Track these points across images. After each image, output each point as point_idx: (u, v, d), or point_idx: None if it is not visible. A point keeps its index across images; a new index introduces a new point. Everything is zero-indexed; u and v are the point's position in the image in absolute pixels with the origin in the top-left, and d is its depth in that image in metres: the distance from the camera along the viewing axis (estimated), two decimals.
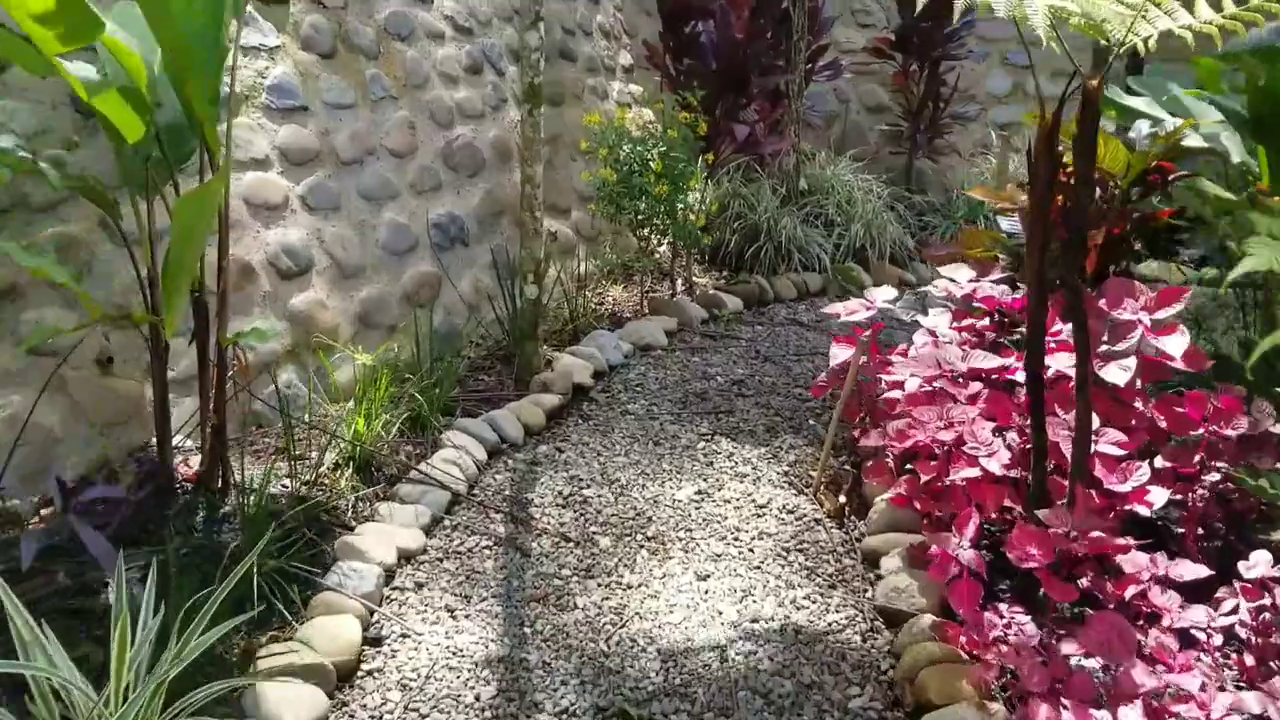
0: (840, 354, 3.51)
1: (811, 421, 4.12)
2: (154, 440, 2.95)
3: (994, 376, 3.15)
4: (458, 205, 4.71)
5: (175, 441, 3.04)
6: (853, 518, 3.34)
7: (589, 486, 3.44)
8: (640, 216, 4.93)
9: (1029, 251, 2.54)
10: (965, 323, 3.43)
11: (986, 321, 3.46)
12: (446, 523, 3.16)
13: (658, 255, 5.80)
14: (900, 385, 3.29)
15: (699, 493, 3.45)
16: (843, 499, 3.39)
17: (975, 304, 3.53)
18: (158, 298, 2.77)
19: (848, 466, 3.69)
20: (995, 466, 2.75)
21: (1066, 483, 2.79)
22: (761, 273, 6.02)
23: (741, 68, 5.37)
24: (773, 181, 6.42)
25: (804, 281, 6.03)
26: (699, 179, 5.00)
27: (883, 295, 3.61)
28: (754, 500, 3.41)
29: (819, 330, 5.40)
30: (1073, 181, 2.42)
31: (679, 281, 5.74)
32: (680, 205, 5.01)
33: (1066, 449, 2.73)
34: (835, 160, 7.08)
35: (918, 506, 2.89)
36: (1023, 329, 3.32)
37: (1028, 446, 2.96)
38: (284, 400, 3.30)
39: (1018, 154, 7.26)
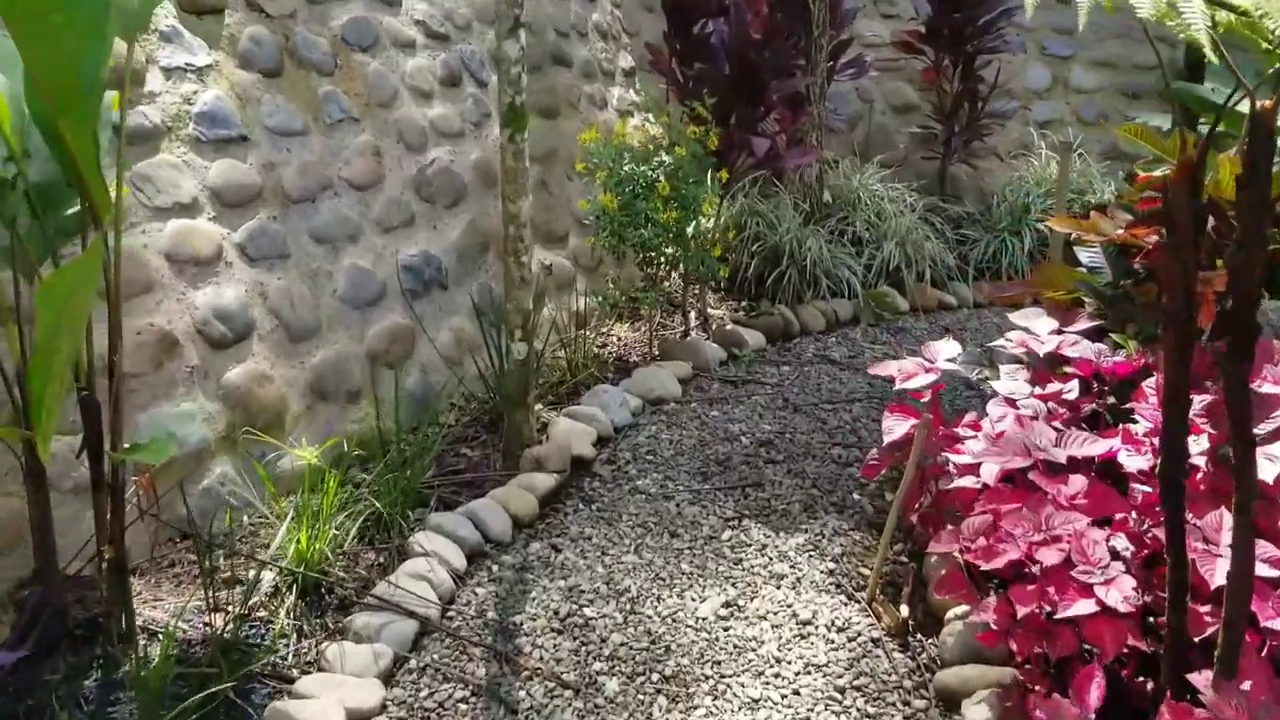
0: (896, 428, 2.90)
1: (856, 495, 3.51)
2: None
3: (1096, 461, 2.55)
4: (434, 242, 4.12)
5: (76, 569, 2.46)
6: (918, 634, 2.75)
7: (591, 602, 2.84)
8: (647, 247, 4.33)
9: (1168, 327, 1.93)
10: (1050, 388, 2.82)
11: (1075, 384, 2.85)
12: (412, 664, 2.56)
13: (667, 285, 5.20)
14: (974, 470, 2.69)
15: (727, 605, 2.85)
16: (905, 610, 2.79)
17: (1061, 362, 2.92)
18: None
19: (905, 558, 3.10)
20: (1116, 599, 2.15)
21: (1203, 611, 2.19)
22: (785, 301, 5.41)
23: (758, 71, 4.76)
24: (793, 195, 5.82)
25: (833, 310, 5.42)
26: (713, 202, 4.39)
27: (944, 352, 3.00)
28: (795, 614, 2.81)
29: (853, 369, 4.80)
30: (1236, 234, 1.81)
31: (692, 315, 5.14)
32: (692, 232, 4.41)
33: (1204, 568, 2.13)
34: (861, 168, 6.47)
35: (1013, 646, 2.29)
36: (1125, 396, 2.71)
37: (1144, 554, 2.37)
38: (206, 509, 2.71)
39: (1078, 157, 6.63)
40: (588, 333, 4.70)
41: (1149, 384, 2.57)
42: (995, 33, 6.33)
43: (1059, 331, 2.97)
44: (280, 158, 3.53)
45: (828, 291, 5.48)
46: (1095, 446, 2.47)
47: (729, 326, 5.05)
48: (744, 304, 5.43)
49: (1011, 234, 6.20)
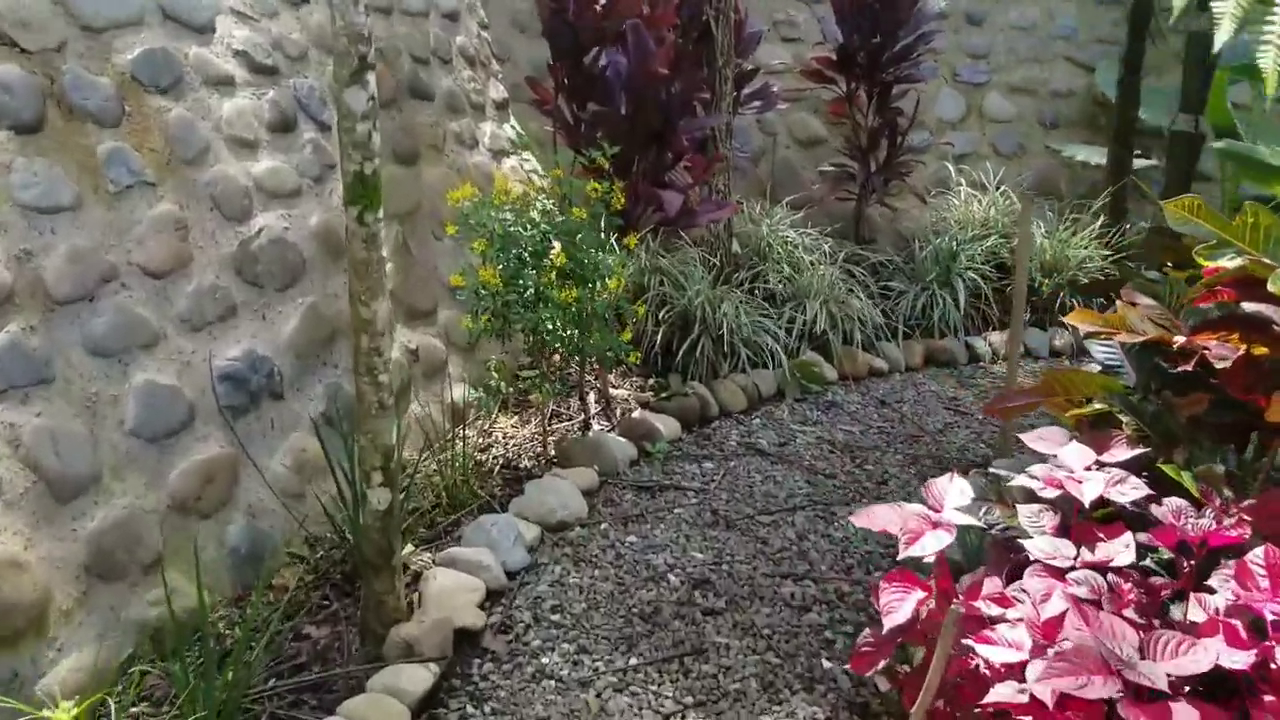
0: (898, 608, 2.21)
1: (826, 662, 2.83)
2: None
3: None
4: (263, 338, 3.26)
5: None
6: None
7: None
8: (542, 333, 3.57)
9: None
10: (1101, 550, 2.19)
11: (1128, 543, 2.22)
12: None
13: (559, 362, 4.45)
14: (1016, 671, 2.02)
15: None
16: None
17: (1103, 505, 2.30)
18: None
19: None
20: None
21: None
22: (698, 375, 4.73)
23: (666, 111, 4.08)
24: (700, 249, 5.15)
25: (754, 385, 4.76)
26: (621, 277, 3.66)
27: (952, 497, 2.34)
28: None
29: (786, 462, 4.15)
30: None
31: (591, 397, 4.40)
32: (595, 310, 3.67)
33: None
34: (770, 211, 5.87)
35: None
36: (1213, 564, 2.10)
37: None
38: None
39: (1000, 195, 6.19)
40: (466, 430, 3.90)
41: (1256, 558, 1.95)
42: (913, 59, 5.83)
43: (1098, 464, 2.35)
44: (40, 243, 2.65)
45: (747, 362, 4.82)
46: (1200, 656, 1.83)
47: (637, 413, 4.33)
48: (651, 381, 4.72)
49: (940, 285, 5.69)
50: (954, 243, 5.83)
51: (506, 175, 5.16)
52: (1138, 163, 6.26)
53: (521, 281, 3.60)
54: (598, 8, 3.82)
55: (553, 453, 3.97)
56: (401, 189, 4.23)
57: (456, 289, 3.89)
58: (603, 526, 3.54)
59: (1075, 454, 2.38)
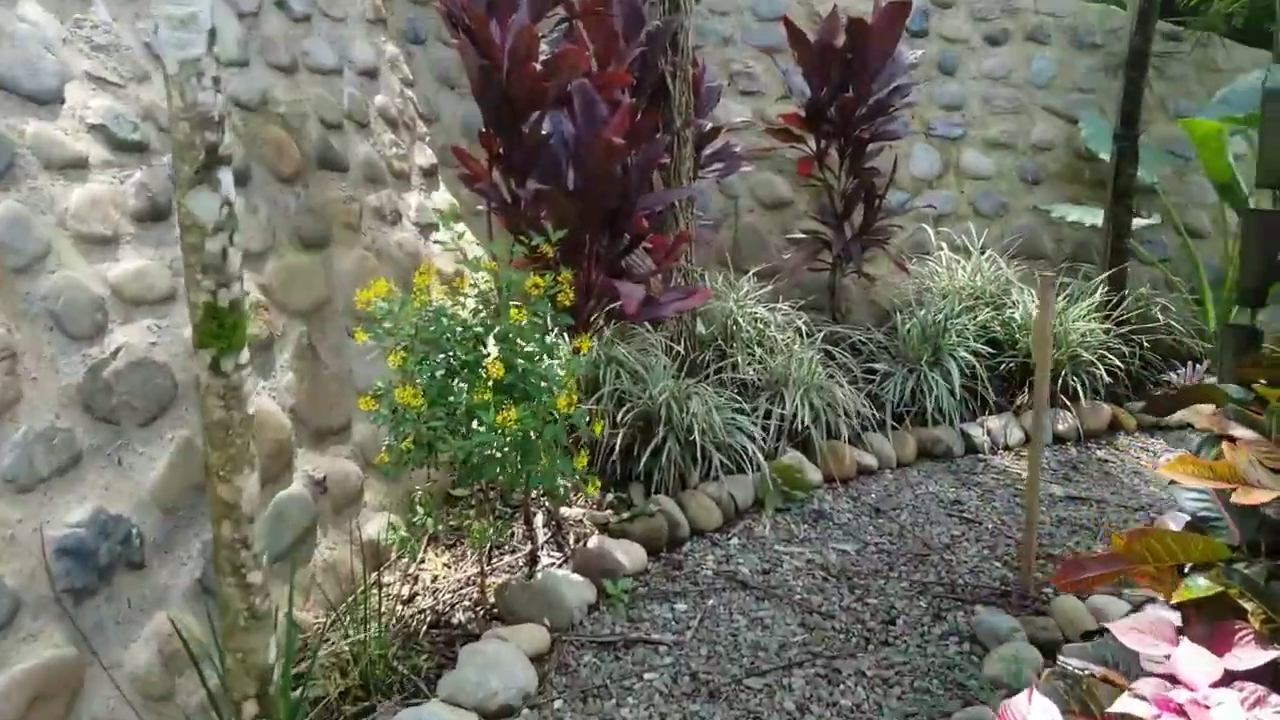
0: None
1: None
2: None
3: None
4: (117, 491, 2.61)
5: None
6: None
7: None
8: (477, 464, 2.96)
9: None
10: None
11: None
12: None
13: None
14: None
15: None
16: None
17: None
18: None
19: None
20: None
21: None
22: (665, 486, 4.14)
23: (622, 187, 3.52)
24: (662, 332, 4.58)
25: (728, 495, 4.18)
26: (573, 392, 3.06)
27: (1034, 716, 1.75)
28: None
29: (773, 597, 3.56)
30: None
31: (539, 520, 3.78)
32: (543, 429, 3.06)
33: None
34: (735, 284, 5.33)
35: None
36: None
37: None
38: None
39: (985, 260, 5.71)
40: (386, 576, 3.26)
41: None
42: (890, 114, 5.36)
43: (1226, 676, 1.78)
44: None
45: (720, 467, 4.23)
46: None
47: (594, 541, 3.72)
48: (610, 495, 4.11)
49: (930, 365, 5.17)
50: (941, 316, 5.33)
51: (435, 256, 4.57)
52: (1135, 222, 5.83)
53: (451, 399, 2.98)
54: (536, 65, 3.26)
55: (493, 601, 3.33)
56: (307, 280, 3.62)
57: (377, 384, 3.26)
58: (556, 706, 2.90)
59: (1194, 662, 1.81)
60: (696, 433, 4.16)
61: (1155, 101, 6.91)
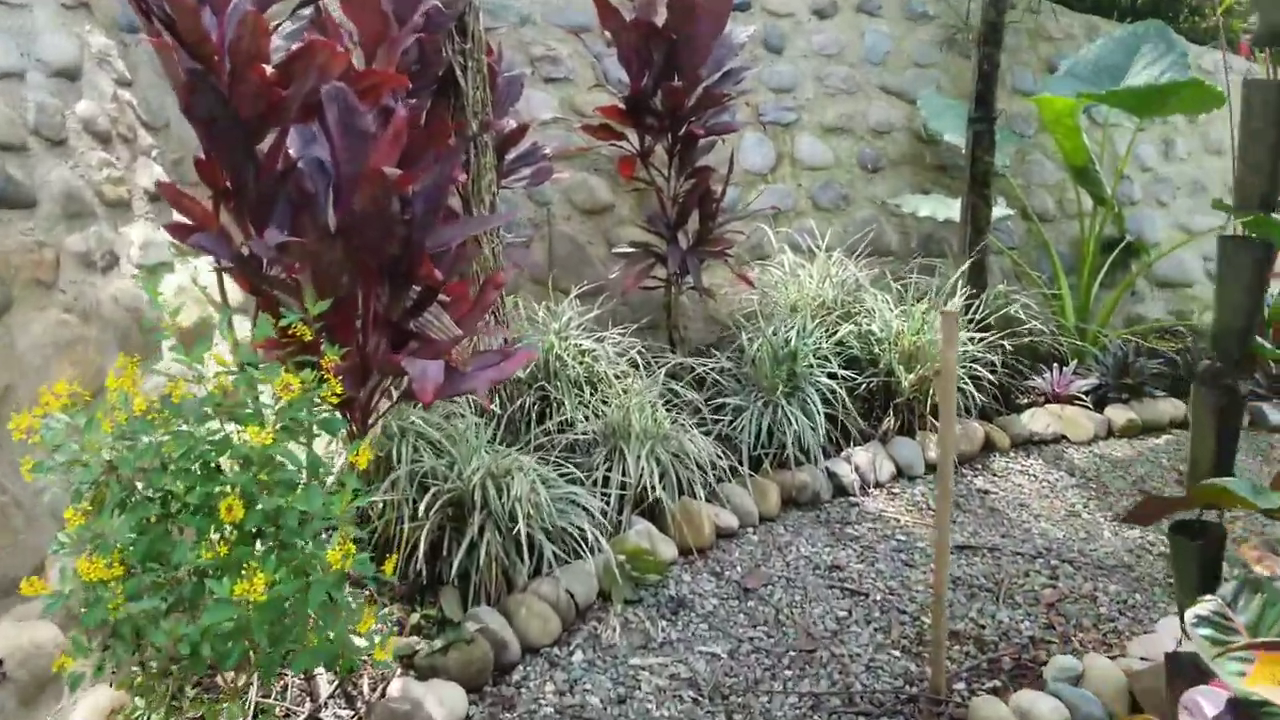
0: None
1: None
2: None
3: None
4: None
5: None
6: None
7: None
8: (211, 655, 2.09)
9: None
10: None
11: None
12: None
13: None
14: None
15: None
16: None
17: None
18: None
19: None
20: None
21: None
22: (487, 590, 3.35)
23: (403, 225, 2.67)
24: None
25: (566, 595, 3.42)
26: (346, 534, 2.22)
27: None
28: None
29: None
30: None
31: (319, 670, 2.91)
32: (307, 592, 2.21)
33: None
34: (556, 312, 4.56)
35: None
36: None
37: None
38: None
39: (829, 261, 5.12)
40: None
41: None
42: (723, 103, 4.69)
43: None
44: None
45: (553, 558, 3.47)
46: None
47: (396, 685, 2.89)
48: (417, 614, 3.28)
49: (787, 395, 4.54)
50: (793, 334, 4.71)
51: (171, 305, 3.59)
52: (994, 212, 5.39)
53: (167, 559, 2.10)
54: (267, 68, 2.36)
55: None
56: None
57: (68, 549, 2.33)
58: None
59: None
60: (521, 518, 3.37)
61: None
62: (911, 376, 4.78)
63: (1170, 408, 5.28)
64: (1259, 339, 5.22)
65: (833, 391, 4.63)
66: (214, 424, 2.25)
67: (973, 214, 5.13)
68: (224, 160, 2.61)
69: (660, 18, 4.57)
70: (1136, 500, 4.25)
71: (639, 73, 4.61)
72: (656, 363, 4.56)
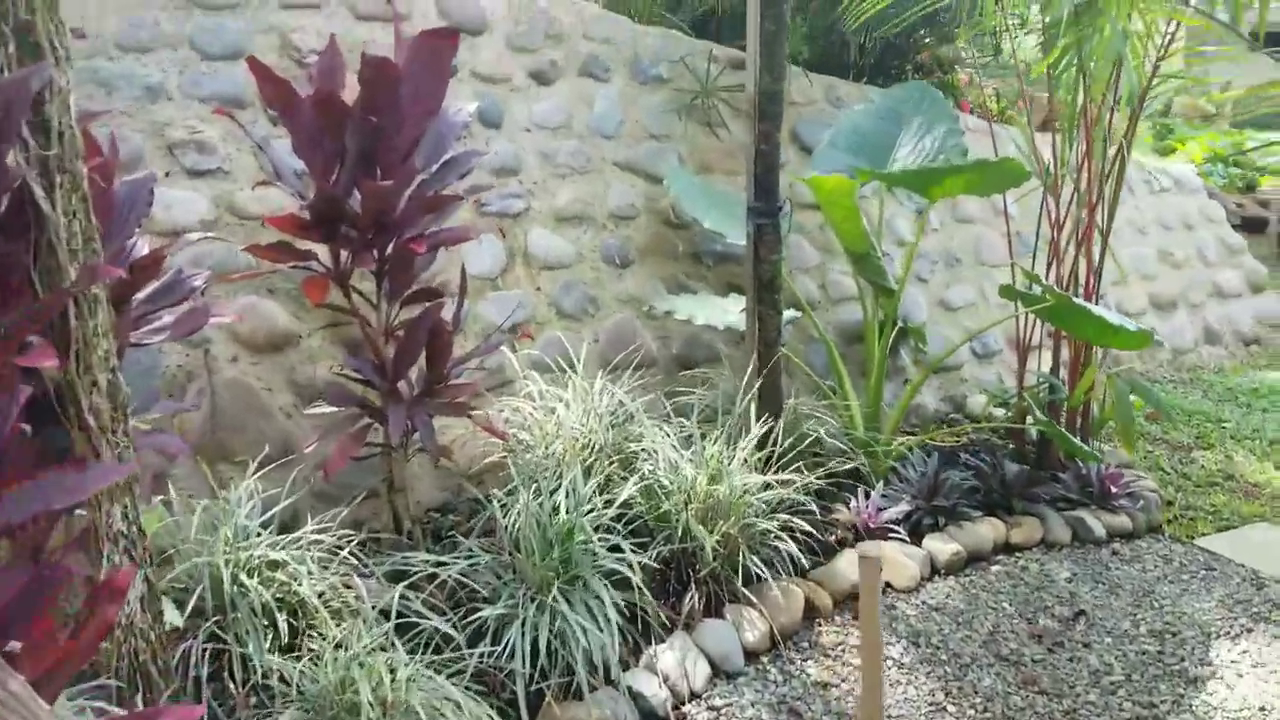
0: None
1: None
2: None
3: None
4: None
5: None
6: None
7: None
8: None
9: None
10: None
11: None
12: None
13: None
14: None
15: None
16: None
17: None
18: None
19: None
20: None
21: None
22: None
23: None
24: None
25: None
26: None
27: None
28: None
29: None
30: None
31: None
32: None
33: None
34: (225, 505, 3.27)
35: None
36: None
37: None
38: None
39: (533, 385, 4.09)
40: None
41: None
42: (448, 206, 3.57)
43: None
44: None
45: None
46: None
47: None
48: None
49: (563, 589, 3.45)
50: (561, 499, 3.64)
51: None
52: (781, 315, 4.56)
53: None
54: None
55: None
56: None
57: None
58: None
59: None
60: None
61: (732, 146, 5.82)
62: (715, 537, 3.83)
63: (990, 530, 4.64)
64: (1061, 430, 4.43)
65: (620, 576, 3.60)
66: None
67: (761, 326, 4.29)
68: None
69: (349, 90, 3.42)
70: (1005, 679, 3.50)
71: (325, 167, 3.42)
72: (378, 562, 3.36)
